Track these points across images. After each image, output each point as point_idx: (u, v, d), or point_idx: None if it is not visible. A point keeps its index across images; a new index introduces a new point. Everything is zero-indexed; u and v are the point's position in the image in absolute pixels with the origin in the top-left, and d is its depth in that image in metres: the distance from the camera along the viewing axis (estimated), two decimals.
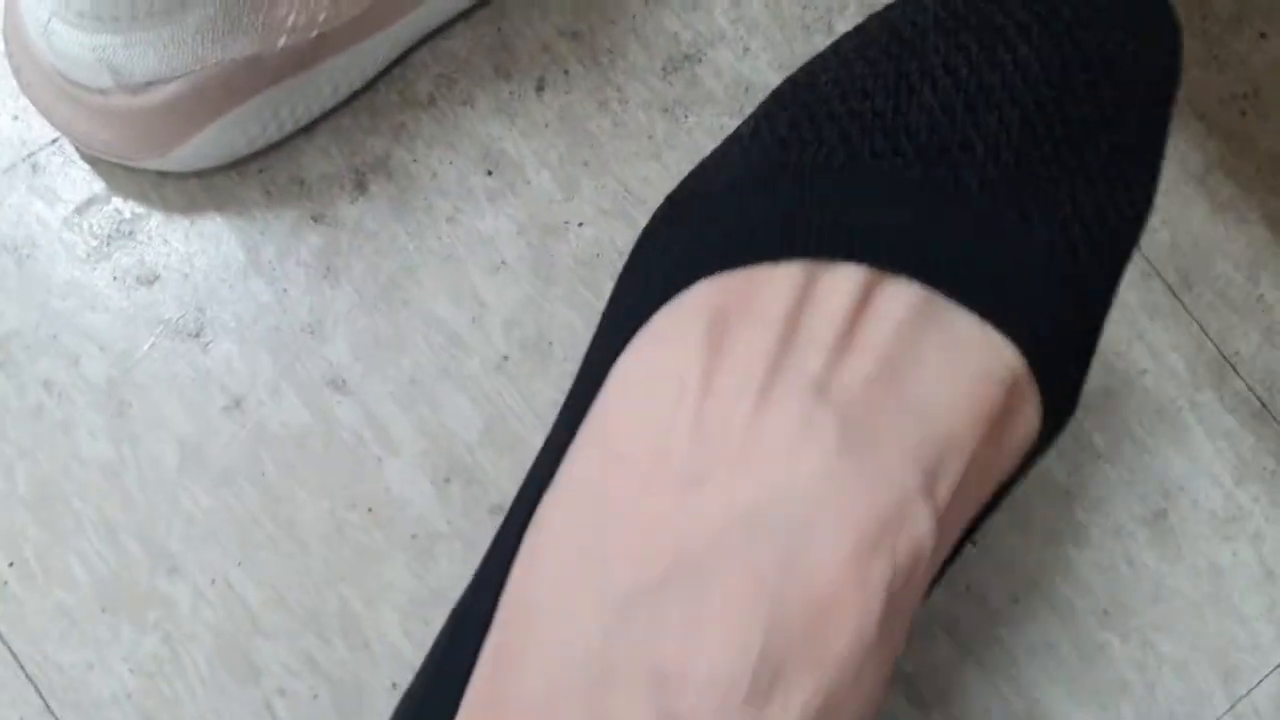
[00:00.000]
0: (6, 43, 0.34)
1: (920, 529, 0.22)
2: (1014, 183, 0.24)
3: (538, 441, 0.29)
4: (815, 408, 0.22)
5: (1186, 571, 0.38)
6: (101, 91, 0.32)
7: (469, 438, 0.36)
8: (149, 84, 0.32)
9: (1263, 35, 0.41)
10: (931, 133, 0.24)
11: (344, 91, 0.36)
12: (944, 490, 0.23)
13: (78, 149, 0.36)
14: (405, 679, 0.33)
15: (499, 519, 0.30)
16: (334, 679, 0.34)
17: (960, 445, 0.23)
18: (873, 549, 0.22)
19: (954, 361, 0.23)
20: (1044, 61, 0.25)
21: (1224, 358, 0.39)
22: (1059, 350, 0.24)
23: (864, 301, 0.23)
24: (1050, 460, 0.38)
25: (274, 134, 0.35)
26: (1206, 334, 0.39)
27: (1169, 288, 0.39)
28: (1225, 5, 0.41)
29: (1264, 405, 0.39)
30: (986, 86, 0.25)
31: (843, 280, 0.23)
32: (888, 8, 0.27)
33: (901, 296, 0.23)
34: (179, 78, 0.32)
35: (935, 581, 0.26)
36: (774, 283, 0.23)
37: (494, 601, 0.24)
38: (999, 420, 0.24)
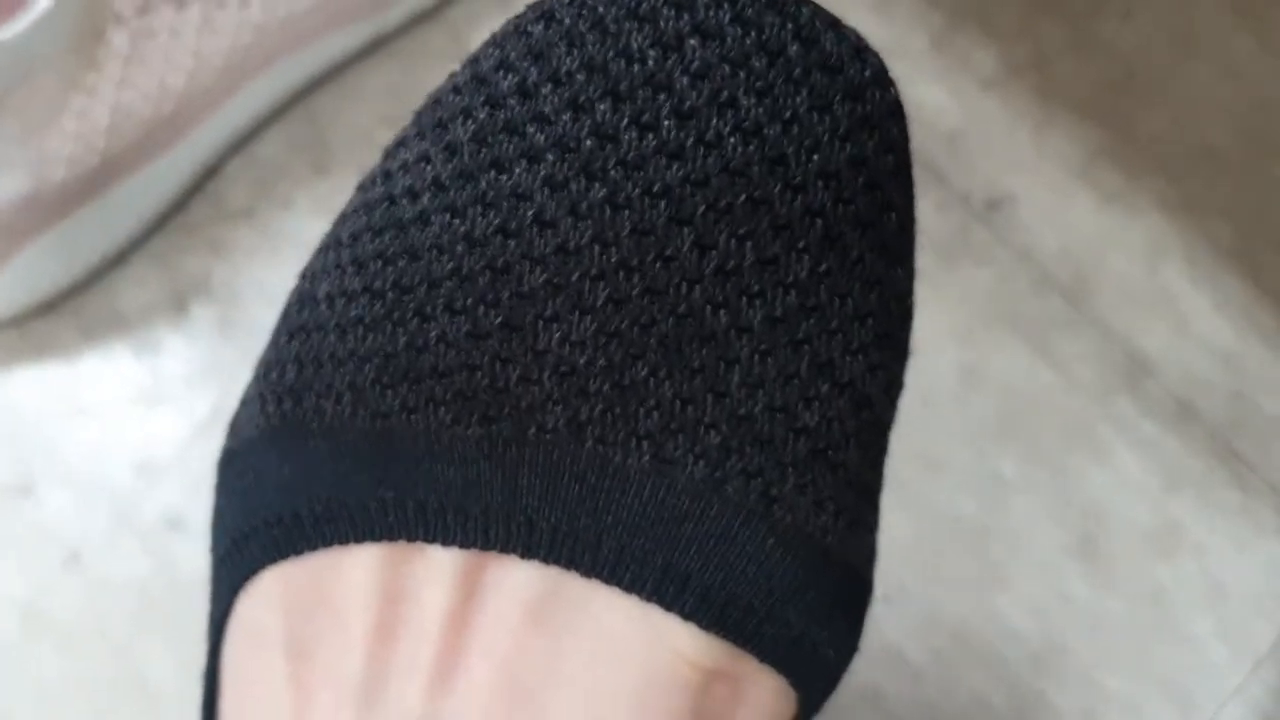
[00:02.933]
0: None
1: None
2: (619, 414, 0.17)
3: None
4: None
5: (1124, 598, 0.35)
6: None
7: None
8: None
9: (1127, 14, 0.39)
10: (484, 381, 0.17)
11: (149, 216, 0.34)
12: None
13: None
14: None
15: None
16: None
17: None
18: None
19: (603, 661, 0.16)
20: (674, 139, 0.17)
21: (1134, 360, 0.36)
22: (762, 603, 0.16)
23: (465, 600, 0.16)
24: (956, 499, 0.35)
25: (80, 270, 0.34)
26: (1112, 336, 0.36)
27: (1063, 294, 0.36)
28: None
29: (1184, 404, 0.36)
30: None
31: (435, 569, 0.16)
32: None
33: (517, 586, 0.16)
34: None
35: None
36: (347, 578, 0.17)
37: None
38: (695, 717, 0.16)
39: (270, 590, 0.17)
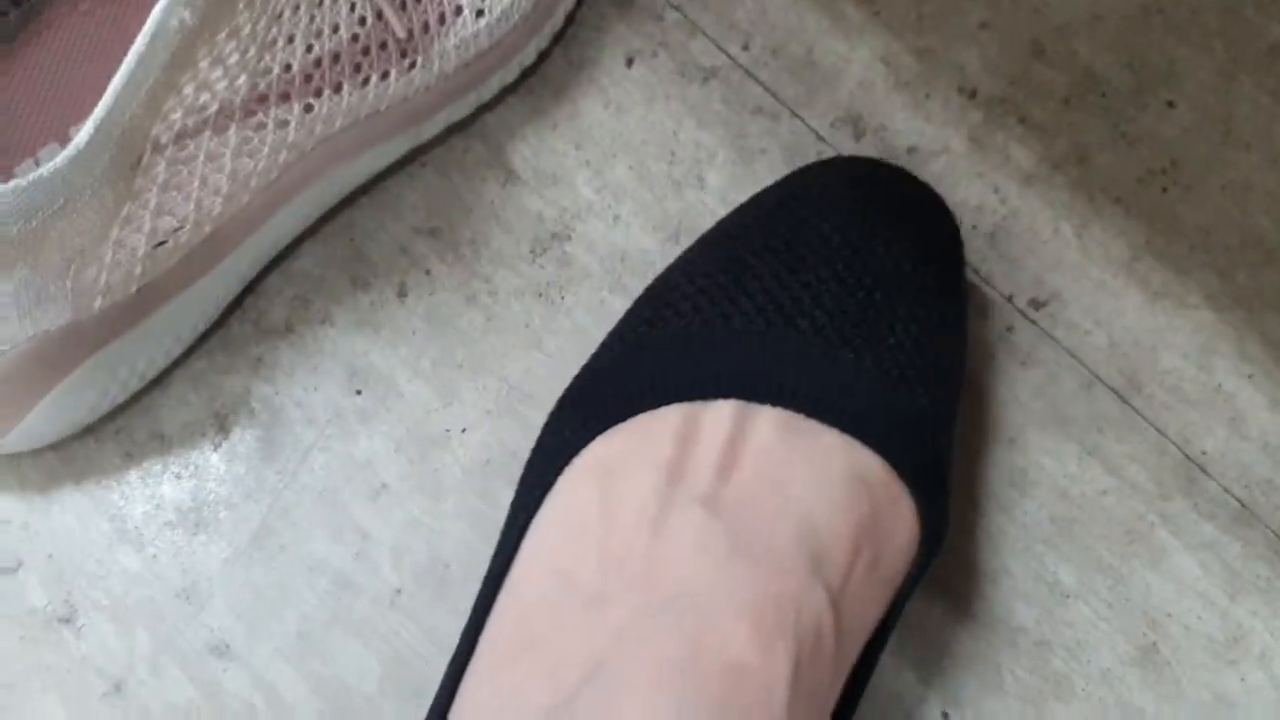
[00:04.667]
0: None
1: (816, 604, 0.25)
2: (839, 327, 0.29)
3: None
4: (706, 522, 0.26)
5: (1190, 710, 0.33)
6: None
7: (367, 688, 0.33)
8: None
9: (1170, 104, 0.38)
10: (765, 295, 0.29)
11: (188, 338, 0.34)
12: (832, 573, 0.26)
13: None
14: None
15: None
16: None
17: (839, 535, 0.27)
18: (774, 624, 0.24)
19: (822, 469, 0.27)
20: (843, 234, 0.30)
21: (1190, 460, 0.35)
22: (913, 451, 0.28)
23: (738, 430, 0.27)
24: (1015, 608, 0.34)
25: (119, 395, 0.33)
26: (1166, 437, 0.36)
27: (1115, 393, 0.36)
28: (1123, 78, 0.38)
29: (1244, 505, 0.35)
30: (800, 257, 0.30)
31: (717, 416, 0.28)
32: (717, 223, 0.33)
33: (769, 422, 0.27)
34: None
35: (861, 682, 0.28)
36: (657, 427, 0.28)
37: None
38: (873, 514, 0.27)
39: (592, 452, 0.28)
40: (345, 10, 0.31)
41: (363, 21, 0.31)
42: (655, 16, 0.38)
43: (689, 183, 0.37)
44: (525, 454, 0.34)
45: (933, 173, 0.37)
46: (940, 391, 0.30)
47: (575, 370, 0.35)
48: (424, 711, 0.32)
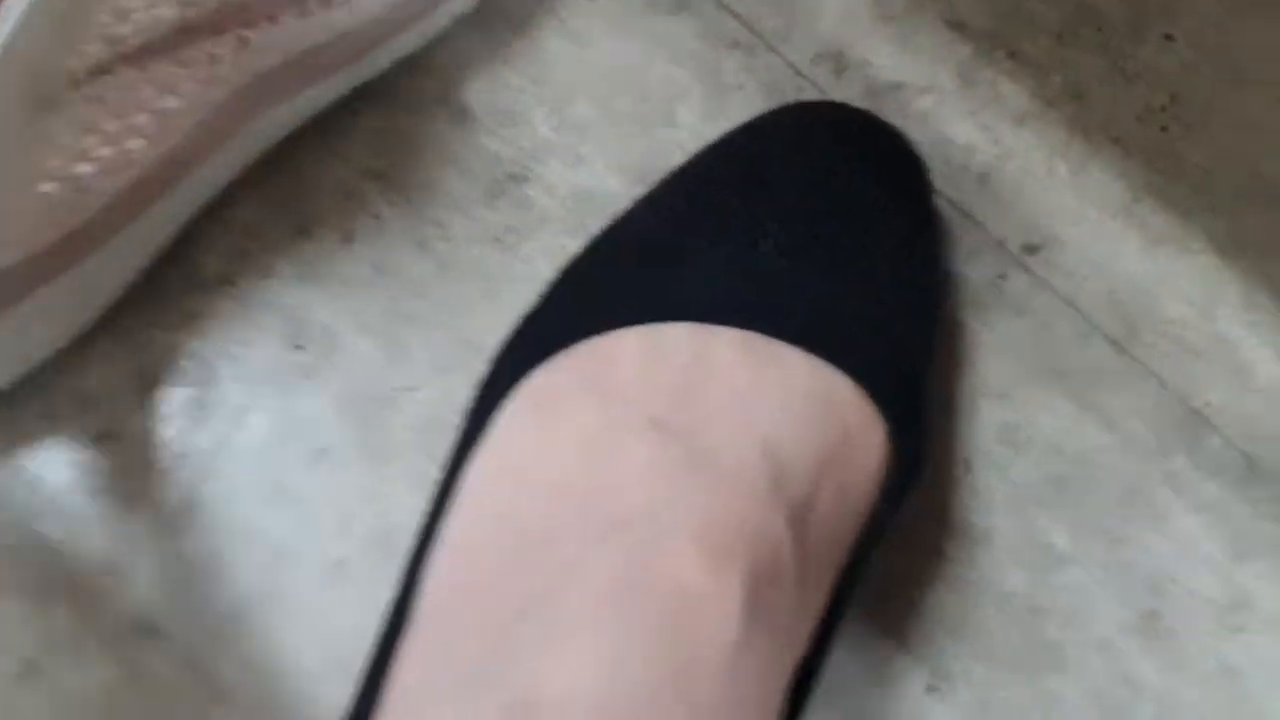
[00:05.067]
0: None
1: (772, 525, 0.24)
2: (808, 250, 0.28)
3: None
4: (657, 443, 0.24)
5: (1195, 679, 0.31)
6: None
7: (309, 665, 0.30)
8: None
9: (1168, 37, 0.36)
10: (727, 219, 0.28)
11: (114, 290, 0.31)
12: (794, 494, 0.24)
13: None
14: None
15: None
16: None
17: (803, 456, 0.25)
18: (727, 546, 0.23)
19: (786, 389, 0.26)
20: (808, 167, 0.29)
21: (1194, 412, 0.33)
22: (886, 373, 0.27)
23: (696, 353, 0.26)
24: (1006, 572, 0.32)
25: (38, 353, 0.31)
26: (1168, 389, 0.33)
27: (1113, 343, 0.33)
28: (1119, 11, 0.36)
29: (1249, 460, 0.33)
30: (763, 187, 0.29)
31: (672, 337, 0.26)
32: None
33: (729, 343, 0.26)
34: None
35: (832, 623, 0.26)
36: (606, 351, 0.26)
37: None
38: (842, 438, 0.26)
39: (547, 373, 0.26)
40: None
41: None
42: None
43: (658, 120, 0.34)
44: None
45: (920, 111, 0.35)
46: (914, 315, 0.29)
47: None
48: None
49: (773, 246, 0.28)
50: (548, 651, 0.21)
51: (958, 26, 0.36)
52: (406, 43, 0.34)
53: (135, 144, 0.30)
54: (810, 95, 0.35)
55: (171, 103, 0.30)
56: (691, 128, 0.34)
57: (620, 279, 0.28)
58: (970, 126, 0.35)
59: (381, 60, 0.33)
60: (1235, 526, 0.32)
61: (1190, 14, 0.36)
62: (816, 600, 0.26)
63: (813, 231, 0.28)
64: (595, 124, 0.34)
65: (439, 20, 0.34)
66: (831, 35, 0.35)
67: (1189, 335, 0.34)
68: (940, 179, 0.34)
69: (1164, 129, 0.35)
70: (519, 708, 0.21)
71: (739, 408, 0.25)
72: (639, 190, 0.33)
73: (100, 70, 0.28)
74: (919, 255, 0.30)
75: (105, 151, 0.29)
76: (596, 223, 0.33)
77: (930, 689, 0.31)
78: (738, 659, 0.22)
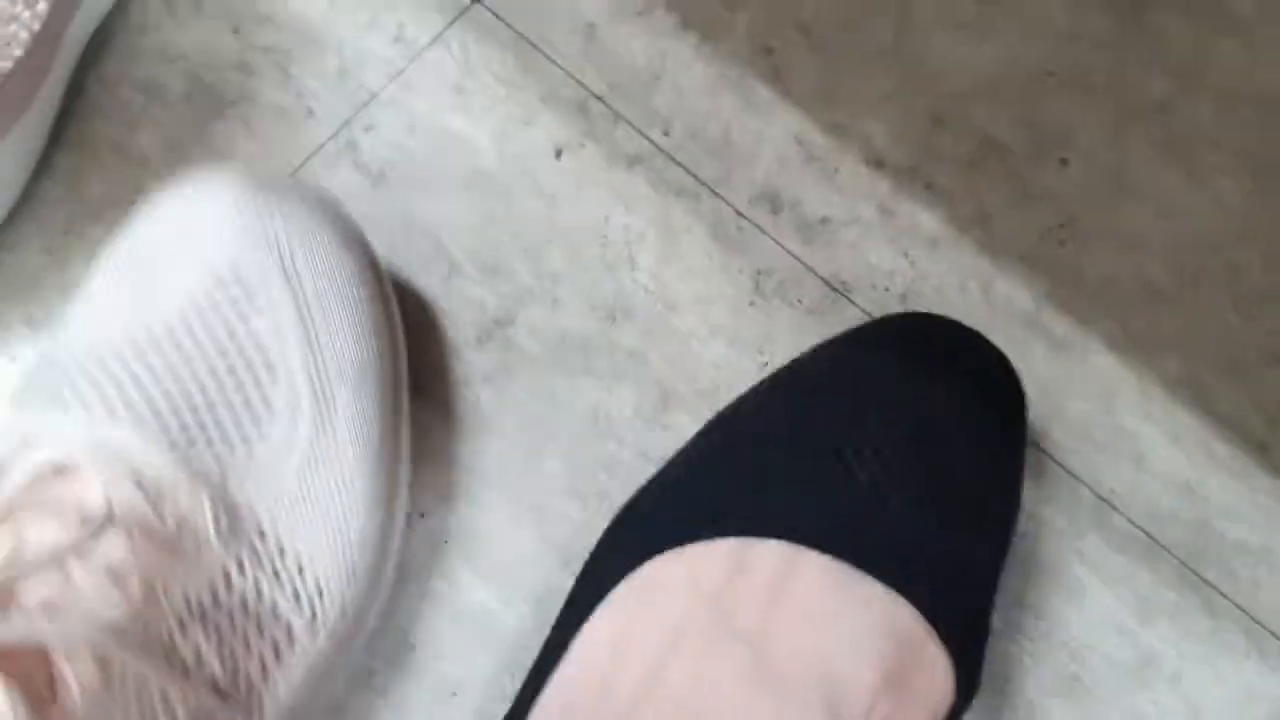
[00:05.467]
0: None
1: None
2: (901, 483, 0.31)
3: None
4: (732, 654, 0.28)
5: None
6: None
7: None
8: None
9: (1063, 161, 0.41)
10: (831, 438, 0.31)
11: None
12: (848, 717, 0.28)
13: None
14: None
15: None
16: None
17: (860, 685, 0.28)
18: None
19: (856, 619, 0.29)
20: (905, 384, 0.32)
21: (1100, 499, 0.38)
22: (955, 608, 0.30)
23: (783, 571, 0.29)
24: None
25: None
26: (1078, 479, 0.38)
27: (1029, 442, 0.38)
28: (1020, 140, 0.41)
29: (1151, 537, 0.38)
30: (860, 405, 0.32)
31: (766, 554, 0.29)
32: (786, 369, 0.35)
33: (814, 567, 0.29)
34: None
35: None
36: (708, 556, 0.30)
37: None
38: (900, 671, 0.29)
39: (646, 572, 0.30)
40: (175, 699, 0.27)
41: (189, 700, 0.28)
42: (581, 109, 0.41)
43: (621, 264, 0.39)
44: (483, 533, 0.37)
45: (846, 241, 0.40)
46: (991, 549, 0.32)
47: (525, 452, 0.37)
48: None
49: (868, 476, 0.30)
50: None
51: (877, 164, 0.41)
52: None
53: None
54: (751, 235, 0.40)
55: None
56: (649, 269, 0.39)
57: (725, 486, 0.31)
58: (891, 252, 0.40)
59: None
60: (1140, 594, 0.37)
61: (1083, 136, 0.41)
62: None
63: (909, 463, 0.30)
64: (567, 271, 0.39)
65: None
66: (766, 178, 0.40)
67: (1093, 430, 0.39)
68: (865, 300, 0.39)
69: (1062, 244, 0.40)
70: None
71: (810, 631, 0.28)
72: (609, 326, 0.38)
73: None
74: (1005, 487, 0.33)
75: None
76: (576, 358, 0.38)
77: None
78: None
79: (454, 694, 0.35)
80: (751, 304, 0.39)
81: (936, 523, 0.30)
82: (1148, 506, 0.38)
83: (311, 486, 0.30)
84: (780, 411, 0.33)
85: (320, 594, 0.30)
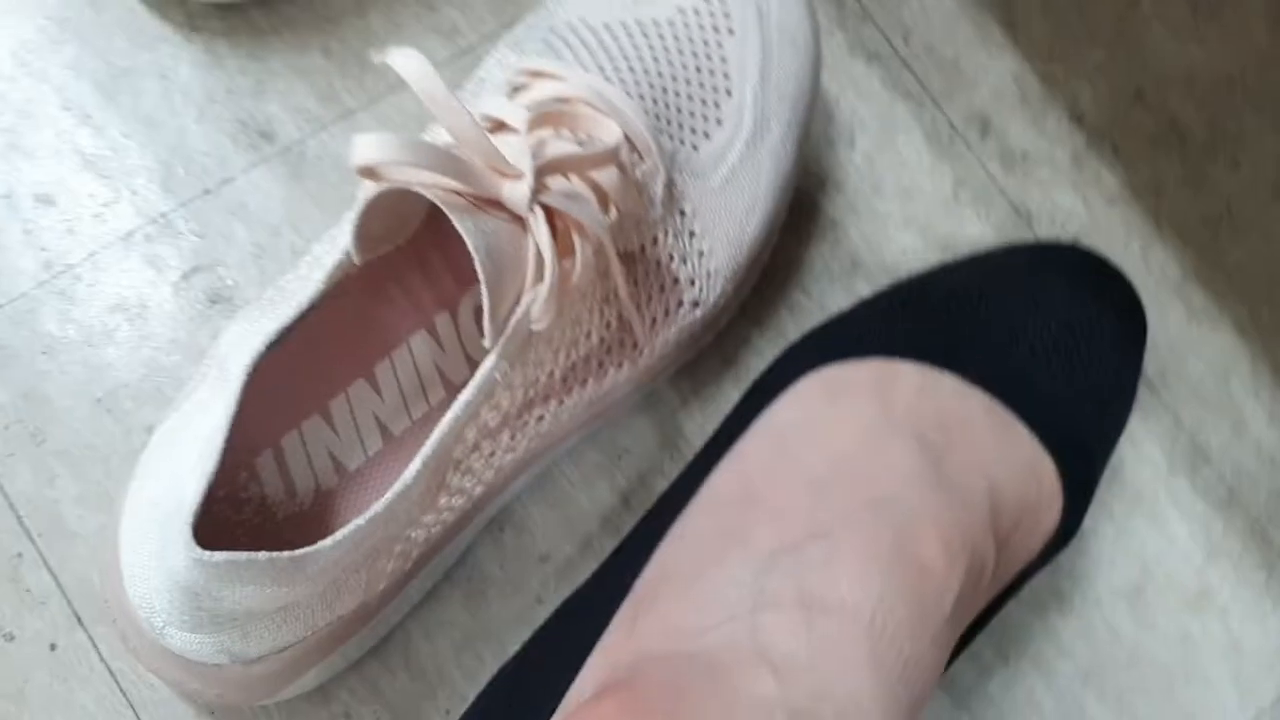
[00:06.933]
0: (108, 606, 0.33)
1: (987, 546, 0.32)
2: (1053, 357, 0.36)
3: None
4: (919, 453, 0.32)
5: (1160, 640, 0.42)
6: (217, 666, 0.32)
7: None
8: (263, 656, 0.32)
9: (1235, 162, 0.46)
10: (1004, 310, 0.37)
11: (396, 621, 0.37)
12: (1001, 527, 0.33)
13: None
14: (458, 707, 0.37)
15: (545, 566, 0.37)
16: (395, 705, 0.37)
17: (1011, 503, 0.33)
18: (958, 546, 0.31)
19: (1011, 451, 0.34)
20: (1065, 297, 0.38)
21: (1197, 448, 0.43)
22: (1080, 470, 0.35)
23: (960, 401, 0.34)
24: None
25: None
26: (1182, 426, 0.44)
27: (1148, 382, 0.44)
28: (1202, 132, 0.46)
29: (1232, 493, 0.43)
30: (1032, 301, 0.38)
31: (944, 382, 0.34)
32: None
33: (980, 402, 0.34)
34: (294, 644, 0.32)
35: (973, 632, 0.35)
36: (901, 371, 0.34)
37: (612, 591, 0.33)
38: (1035, 503, 0.34)
39: (817, 378, 0.35)
40: (597, 318, 0.33)
41: (608, 325, 0.34)
42: (838, 1, 0.45)
43: (841, 140, 0.44)
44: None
45: (1038, 178, 0.45)
46: (1114, 420, 0.38)
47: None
48: (562, 521, 0.39)
49: (1027, 347, 0.36)
50: (831, 572, 0.29)
51: (1078, 119, 0.46)
52: (651, 384, 0.39)
53: (461, 501, 0.34)
54: (960, 149, 0.45)
55: (506, 459, 0.34)
56: (865, 152, 0.44)
57: (921, 320, 0.36)
58: (1074, 198, 0.45)
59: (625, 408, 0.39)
60: (1211, 538, 0.43)
61: (1257, 146, 0.46)
62: (974, 613, 0.33)
63: (1063, 351, 0.36)
64: None
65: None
66: (982, 105, 0.45)
67: (1205, 390, 0.44)
68: (1043, 231, 0.44)
69: (1217, 230, 0.46)
70: (809, 597, 0.29)
71: (978, 450, 0.33)
72: (819, 195, 0.43)
73: (473, 448, 0.33)
74: (1125, 389, 0.39)
75: (461, 505, 0.33)
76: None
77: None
78: (944, 630, 0.30)
79: (620, 457, 0.40)
80: (945, 207, 0.44)
81: (1080, 393, 0.36)
82: (1235, 466, 0.43)
83: (729, 192, 0.35)
84: (972, 281, 0.38)
85: (709, 278, 0.36)
